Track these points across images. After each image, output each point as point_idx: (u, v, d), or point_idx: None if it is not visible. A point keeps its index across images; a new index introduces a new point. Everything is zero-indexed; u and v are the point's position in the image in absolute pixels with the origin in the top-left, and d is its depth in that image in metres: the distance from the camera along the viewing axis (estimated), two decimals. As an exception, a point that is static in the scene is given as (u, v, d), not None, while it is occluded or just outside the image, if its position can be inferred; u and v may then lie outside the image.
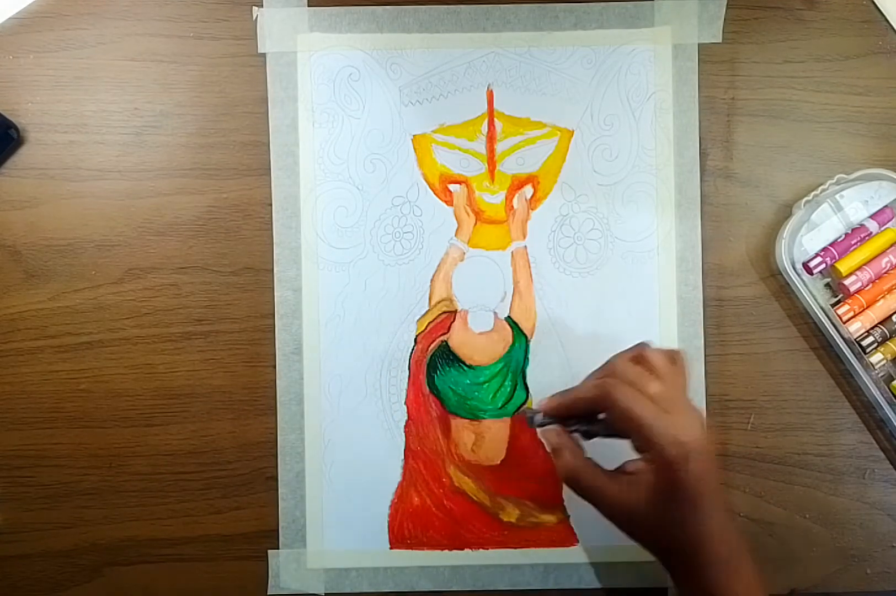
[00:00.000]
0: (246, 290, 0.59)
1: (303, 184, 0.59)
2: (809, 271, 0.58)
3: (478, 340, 0.59)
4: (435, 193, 0.59)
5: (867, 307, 0.57)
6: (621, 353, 0.51)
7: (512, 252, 0.59)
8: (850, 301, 0.57)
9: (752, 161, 0.59)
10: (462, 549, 0.58)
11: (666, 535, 0.48)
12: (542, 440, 0.51)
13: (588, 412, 0.49)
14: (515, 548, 0.58)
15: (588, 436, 0.50)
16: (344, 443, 0.58)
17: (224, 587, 0.58)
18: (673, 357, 0.51)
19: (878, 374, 0.58)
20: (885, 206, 0.58)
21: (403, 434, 0.58)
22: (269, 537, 0.58)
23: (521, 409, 0.57)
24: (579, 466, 0.49)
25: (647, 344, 0.51)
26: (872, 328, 0.58)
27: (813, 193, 0.58)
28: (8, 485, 0.58)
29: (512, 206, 0.59)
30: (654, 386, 0.48)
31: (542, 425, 0.51)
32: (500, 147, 0.59)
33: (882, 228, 0.58)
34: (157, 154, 0.59)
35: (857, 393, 0.58)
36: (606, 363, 0.51)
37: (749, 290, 0.59)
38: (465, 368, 0.58)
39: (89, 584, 0.58)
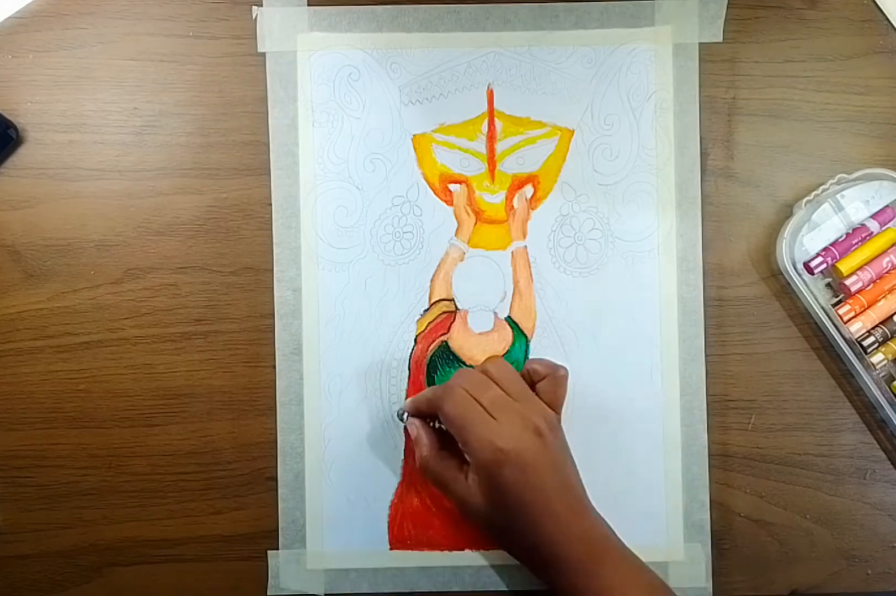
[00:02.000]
0: (246, 290, 0.58)
1: (303, 184, 0.58)
2: (810, 271, 0.58)
3: (478, 340, 0.59)
4: (435, 193, 0.59)
5: (868, 307, 0.57)
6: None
7: (512, 252, 0.59)
8: (851, 301, 0.57)
9: (753, 161, 0.59)
10: (462, 549, 0.58)
11: (507, 537, 0.51)
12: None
13: (434, 413, 0.54)
14: (515, 548, 0.58)
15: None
16: (344, 443, 0.58)
17: (224, 587, 0.58)
18: (552, 369, 0.54)
19: (879, 374, 0.57)
20: (887, 206, 0.58)
21: (403, 434, 0.58)
22: (269, 538, 0.58)
23: (398, 409, 0.58)
24: (430, 457, 0.53)
25: (495, 357, 0.57)
26: (873, 328, 0.57)
27: (814, 193, 0.57)
28: (7, 485, 0.58)
29: (512, 206, 0.59)
30: (489, 393, 0.51)
31: (405, 421, 0.56)
32: (500, 147, 0.59)
33: (883, 228, 0.58)
34: (156, 154, 0.59)
35: (858, 393, 0.58)
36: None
37: (750, 290, 0.59)
38: (466, 368, 0.58)
39: (89, 584, 0.58)
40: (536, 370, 0.54)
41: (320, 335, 0.58)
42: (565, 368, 0.55)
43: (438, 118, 0.59)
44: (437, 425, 0.55)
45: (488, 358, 0.57)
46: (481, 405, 0.51)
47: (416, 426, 0.55)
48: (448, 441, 0.54)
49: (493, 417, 0.50)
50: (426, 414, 0.55)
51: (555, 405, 0.54)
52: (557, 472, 0.50)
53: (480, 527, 0.54)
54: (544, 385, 0.54)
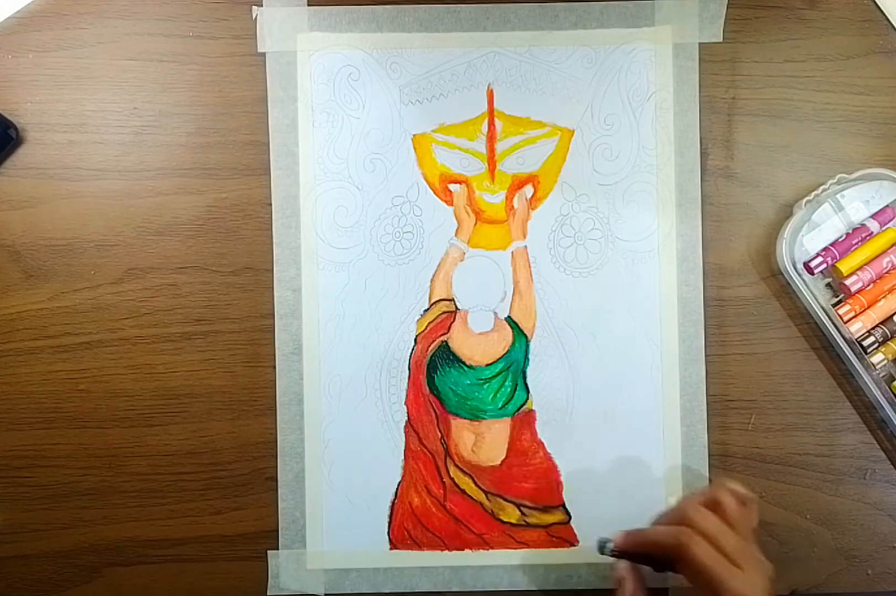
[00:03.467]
0: (245, 290, 0.58)
1: (302, 184, 0.58)
2: (810, 271, 0.58)
3: (478, 340, 0.59)
4: (435, 193, 0.59)
5: (868, 307, 0.57)
6: (695, 495, 0.52)
7: (512, 252, 0.59)
8: (851, 301, 0.57)
9: (753, 161, 0.59)
10: (462, 549, 0.58)
11: None
12: (611, 569, 0.52)
13: (661, 557, 0.50)
14: (515, 548, 0.58)
15: (658, 569, 0.51)
16: (344, 443, 0.58)
17: (224, 588, 0.58)
18: (743, 499, 0.51)
19: (879, 374, 0.57)
20: (887, 206, 0.58)
21: (403, 434, 0.58)
22: (269, 538, 0.58)
23: (600, 538, 0.52)
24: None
25: (722, 483, 0.52)
26: (873, 328, 0.57)
27: (814, 193, 0.57)
28: (7, 485, 0.58)
29: (512, 206, 0.59)
30: (729, 540, 0.49)
31: (611, 555, 0.52)
32: (500, 147, 0.59)
33: (883, 228, 0.58)
34: (156, 154, 0.59)
35: (858, 393, 0.58)
36: (679, 505, 0.52)
37: (750, 290, 0.59)
38: (466, 368, 0.58)
39: (88, 584, 0.58)
40: (722, 502, 0.51)
41: (320, 335, 0.58)
42: (752, 495, 0.52)
43: (438, 118, 0.59)
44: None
45: (723, 485, 0.52)
46: (724, 554, 0.48)
47: (624, 572, 0.51)
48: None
49: (739, 566, 0.48)
50: (640, 554, 0.51)
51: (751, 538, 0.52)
52: None
53: None
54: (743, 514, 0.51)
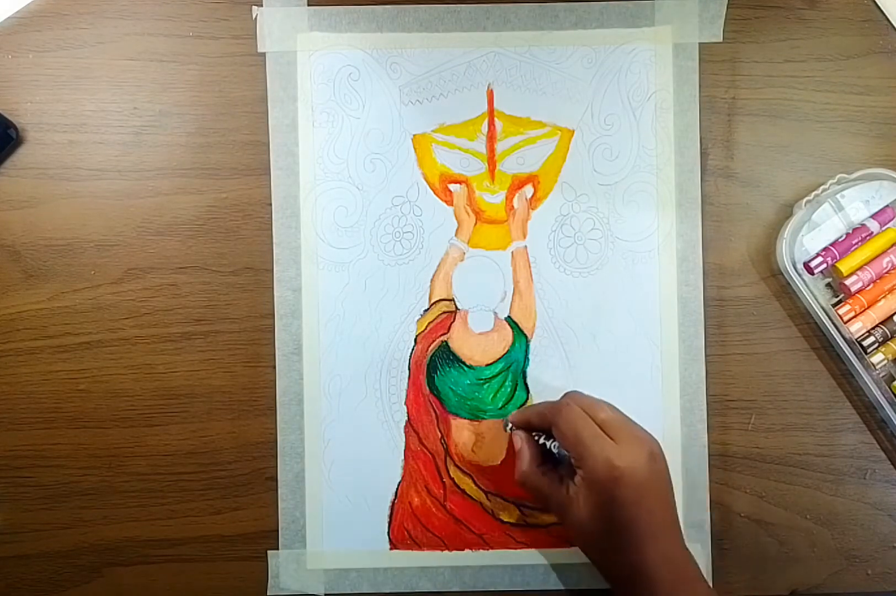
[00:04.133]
0: (246, 290, 0.58)
1: (302, 184, 0.58)
2: (810, 271, 0.58)
3: (478, 340, 0.59)
4: (435, 193, 0.59)
5: (868, 307, 0.57)
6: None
7: (512, 252, 0.59)
8: (851, 301, 0.57)
9: (753, 161, 0.59)
10: (462, 549, 0.58)
11: (600, 551, 0.51)
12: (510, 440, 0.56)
13: (544, 427, 0.54)
14: (515, 548, 0.58)
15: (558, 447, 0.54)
16: (344, 443, 0.58)
17: (224, 588, 0.58)
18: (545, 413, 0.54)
19: (879, 374, 0.57)
20: (887, 206, 0.58)
21: (403, 434, 0.58)
22: (269, 538, 0.58)
23: (504, 419, 0.58)
24: (530, 472, 0.54)
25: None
26: (873, 328, 0.57)
27: (814, 193, 0.57)
28: (7, 485, 0.58)
29: (512, 206, 0.59)
30: (604, 413, 0.51)
31: (511, 431, 0.56)
32: (500, 147, 0.59)
33: (883, 228, 0.58)
34: (156, 154, 0.59)
35: (858, 393, 0.58)
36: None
37: (750, 290, 0.59)
38: (466, 368, 0.58)
39: (88, 584, 0.58)
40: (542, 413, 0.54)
41: (320, 335, 0.58)
42: (564, 401, 0.54)
43: (438, 118, 0.59)
44: (541, 441, 0.54)
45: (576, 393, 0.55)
46: (597, 424, 0.51)
47: (521, 439, 0.55)
48: (548, 458, 0.55)
49: (610, 437, 0.50)
50: (534, 428, 0.55)
51: None
52: (665, 497, 0.51)
53: (575, 538, 0.54)
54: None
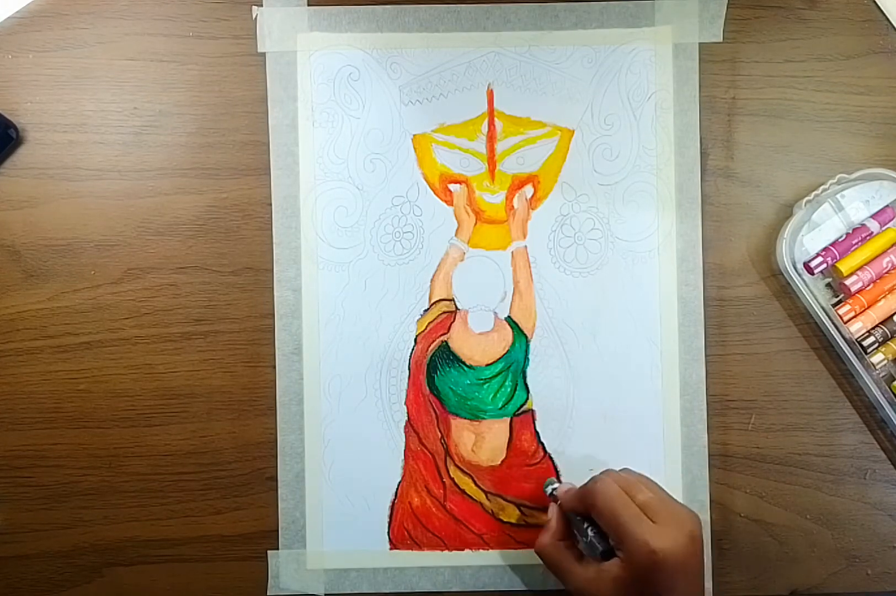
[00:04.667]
0: (246, 291, 0.58)
1: (302, 184, 0.58)
2: (810, 271, 0.58)
3: (478, 340, 0.59)
4: (435, 193, 0.59)
5: (868, 307, 0.57)
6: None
7: (512, 252, 0.59)
8: (851, 301, 0.57)
9: (753, 161, 0.59)
10: (462, 549, 0.58)
11: None
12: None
13: (580, 510, 0.52)
14: (515, 548, 0.58)
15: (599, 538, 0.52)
16: (344, 443, 0.58)
17: (224, 588, 0.58)
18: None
19: (879, 374, 0.57)
20: (887, 206, 0.58)
21: (403, 434, 0.58)
22: (269, 538, 0.58)
23: (549, 479, 0.57)
24: (549, 545, 0.53)
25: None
26: (873, 328, 0.57)
27: (814, 193, 0.57)
28: (7, 485, 0.58)
29: (512, 206, 0.59)
30: (644, 494, 0.50)
31: (550, 496, 0.55)
32: (500, 147, 0.59)
33: (883, 228, 0.58)
34: (156, 154, 0.59)
35: (858, 393, 0.58)
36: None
37: (750, 290, 0.59)
38: (466, 368, 0.58)
39: (89, 584, 0.58)
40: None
41: (320, 335, 0.58)
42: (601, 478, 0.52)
43: (438, 118, 0.59)
44: (585, 526, 0.52)
45: (622, 470, 0.54)
46: (637, 505, 0.50)
47: (555, 511, 0.54)
48: (570, 534, 0.54)
49: (651, 519, 0.49)
50: (572, 508, 0.53)
51: None
52: (698, 578, 0.50)
53: None
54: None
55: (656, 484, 0.52)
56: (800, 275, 0.57)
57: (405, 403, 0.58)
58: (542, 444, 0.58)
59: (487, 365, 0.58)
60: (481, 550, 0.58)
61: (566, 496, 0.54)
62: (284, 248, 0.58)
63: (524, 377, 0.58)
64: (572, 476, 0.58)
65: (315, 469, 0.58)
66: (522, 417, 0.58)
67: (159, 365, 0.58)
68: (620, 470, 0.53)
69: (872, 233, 0.58)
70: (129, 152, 0.59)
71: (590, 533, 0.51)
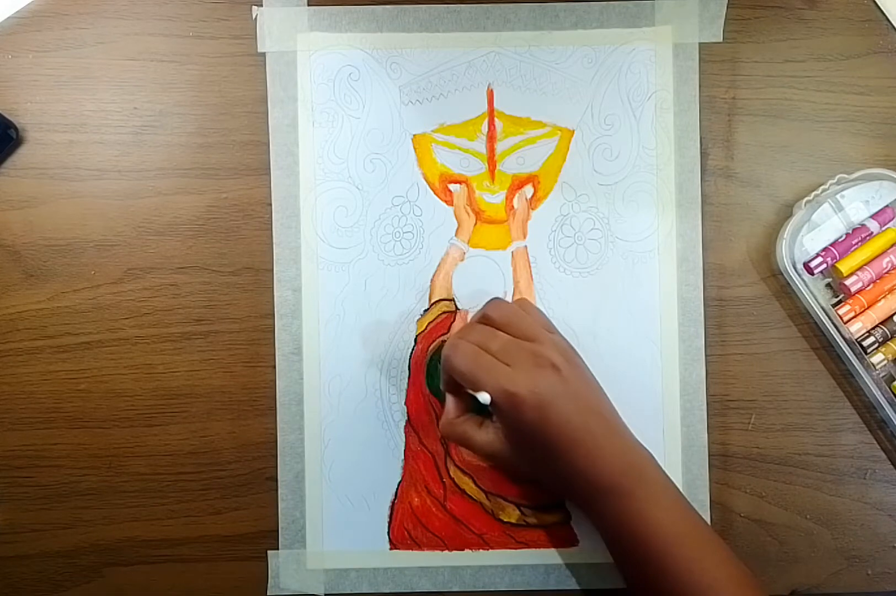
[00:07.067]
0: (246, 291, 0.58)
1: (302, 184, 0.58)
2: (810, 271, 0.58)
3: (478, 340, 0.59)
4: (435, 193, 0.59)
5: (868, 307, 0.57)
6: (472, 317, 0.54)
7: (512, 252, 0.59)
8: (851, 301, 0.57)
9: (753, 161, 0.59)
10: (462, 549, 0.58)
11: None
12: None
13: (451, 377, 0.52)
14: (515, 548, 0.58)
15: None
16: (344, 443, 0.58)
17: (223, 588, 0.58)
18: (521, 304, 0.53)
19: (879, 374, 0.57)
20: (887, 206, 0.58)
21: (403, 434, 0.58)
22: (269, 538, 0.58)
23: None
24: (446, 424, 0.53)
25: (496, 299, 0.54)
26: (873, 328, 0.57)
27: (814, 193, 0.57)
28: (7, 485, 0.58)
29: (512, 206, 0.59)
30: (498, 341, 0.50)
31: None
32: (500, 147, 0.59)
33: (883, 228, 0.58)
34: (156, 154, 0.59)
35: (858, 393, 0.58)
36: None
37: (750, 290, 0.59)
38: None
39: (89, 584, 0.58)
40: (486, 314, 0.53)
41: (320, 335, 0.58)
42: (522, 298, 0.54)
43: (438, 118, 0.59)
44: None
45: (487, 302, 0.54)
46: (492, 354, 0.49)
47: (449, 397, 0.54)
48: (468, 410, 0.54)
49: (507, 364, 0.49)
50: (448, 382, 0.53)
51: (551, 329, 0.53)
52: (579, 400, 0.49)
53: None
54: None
55: (514, 316, 0.51)
56: (800, 275, 0.57)
57: (405, 403, 0.58)
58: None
59: (487, 365, 0.58)
60: (481, 550, 0.58)
61: (443, 376, 0.54)
62: (284, 248, 0.58)
63: (524, 377, 0.58)
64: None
65: (315, 469, 0.58)
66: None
67: (159, 365, 0.58)
68: (489, 302, 0.53)
69: (872, 233, 0.58)
70: (129, 152, 0.59)
71: (471, 392, 0.51)
